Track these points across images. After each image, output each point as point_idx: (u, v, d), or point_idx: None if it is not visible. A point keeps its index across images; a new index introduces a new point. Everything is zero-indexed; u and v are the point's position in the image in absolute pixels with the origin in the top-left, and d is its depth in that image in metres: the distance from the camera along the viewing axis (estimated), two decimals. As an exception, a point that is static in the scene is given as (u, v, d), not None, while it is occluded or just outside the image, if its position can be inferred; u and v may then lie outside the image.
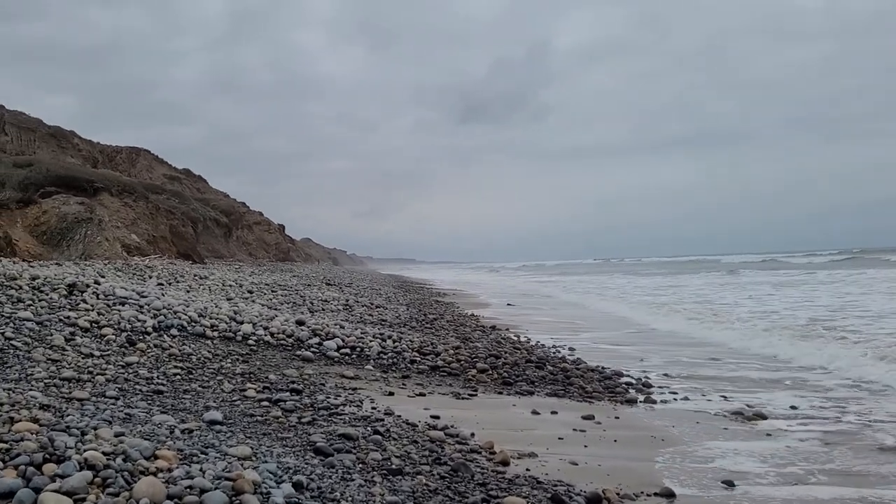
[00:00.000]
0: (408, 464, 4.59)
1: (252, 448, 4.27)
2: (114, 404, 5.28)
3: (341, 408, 6.27)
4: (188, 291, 13.88)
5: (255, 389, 6.63)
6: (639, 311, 18.96)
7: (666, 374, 9.28)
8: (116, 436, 3.69)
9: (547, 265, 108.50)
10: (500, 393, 7.84)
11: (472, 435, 5.64)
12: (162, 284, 14.30)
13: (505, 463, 4.87)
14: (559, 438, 5.71)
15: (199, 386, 6.58)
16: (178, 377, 6.78)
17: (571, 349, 11.49)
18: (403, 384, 7.84)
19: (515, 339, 12.72)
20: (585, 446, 5.51)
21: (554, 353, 11.01)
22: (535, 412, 6.81)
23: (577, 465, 4.99)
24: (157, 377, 6.64)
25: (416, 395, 7.34)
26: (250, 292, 15.26)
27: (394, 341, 9.89)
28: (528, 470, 4.77)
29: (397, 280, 43.81)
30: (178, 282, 15.12)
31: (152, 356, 7.44)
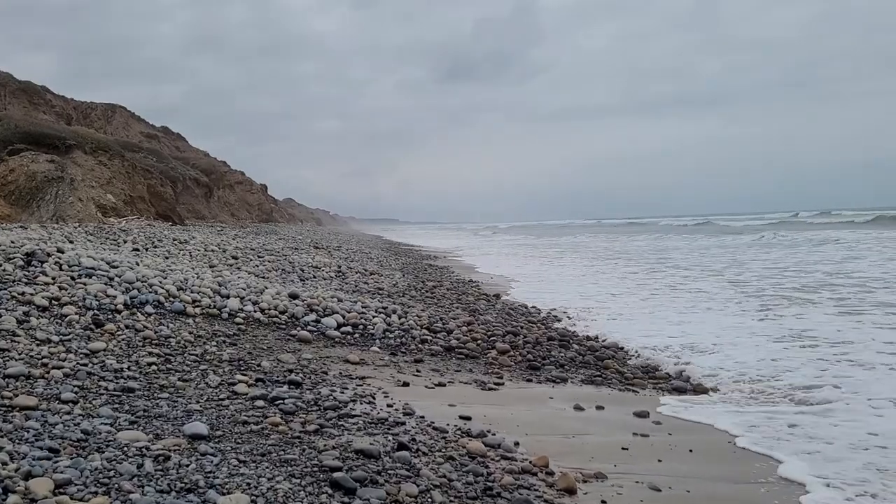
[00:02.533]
0: (452, 499, 3.53)
1: (250, 487, 3.19)
2: (69, 413, 4.17)
3: (351, 406, 5.21)
4: (167, 258, 12.66)
5: (246, 383, 5.53)
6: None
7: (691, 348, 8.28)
8: (57, 489, 2.58)
9: (500, 226, 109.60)
10: (530, 380, 6.80)
11: (517, 444, 4.59)
12: (138, 250, 13.07)
13: (571, 491, 3.83)
14: (623, 448, 4.67)
15: (180, 379, 5.46)
16: (154, 367, 5.66)
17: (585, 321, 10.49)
18: (417, 371, 6.78)
19: (525, 308, 11.69)
20: (659, 461, 4.47)
21: (572, 328, 9.98)
22: (578, 407, 5.77)
23: (660, 491, 3.96)
24: (128, 368, 5.51)
25: (436, 385, 6.29)
26: (235, 258, 14.07)
27: (399, 317, 8.81)
28: (604, 503, 3.73)
29: (385, 243, 42.61)
30: (155, 247, 13.88)
31: (123, 340, 6.30)
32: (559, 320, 10.48)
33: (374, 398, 5.57)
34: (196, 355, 6.24)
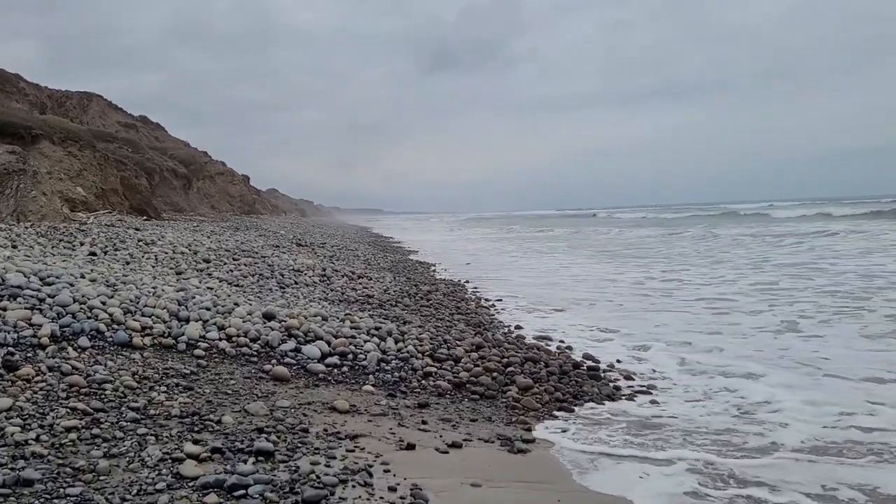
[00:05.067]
0: None
1: None
2: None
3: (340, 492, 3.79)
4: (127, 263, 11.13)
5: (197, 457, 4.08)
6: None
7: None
8: None
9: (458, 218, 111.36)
10: (566, 431, 5.38)
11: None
12: (95, 254, 11.52)
13: None
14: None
15: (106, 454, 4.01)
16: (73, 436, 4.19)
17: (606, 333, 9.11)
18: (423, 422, 5.33)
19: (532, 319, 10.35)
20: None
21: (593, 348, 8.61)
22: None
23: None
24: (37, 439, 4.06)
25: (449, 446, 4.85)
26: (206, 261, 12.54)
27: (395, 340, 7.36)
28: None
29: (371, 236, 41.12)
30: (116, 250, 12.32)
31: (40, 391, 4.82)
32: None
33: (370, 474, 4.14)
34: (136, 409, 4.77)
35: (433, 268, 19.43)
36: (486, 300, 12.58)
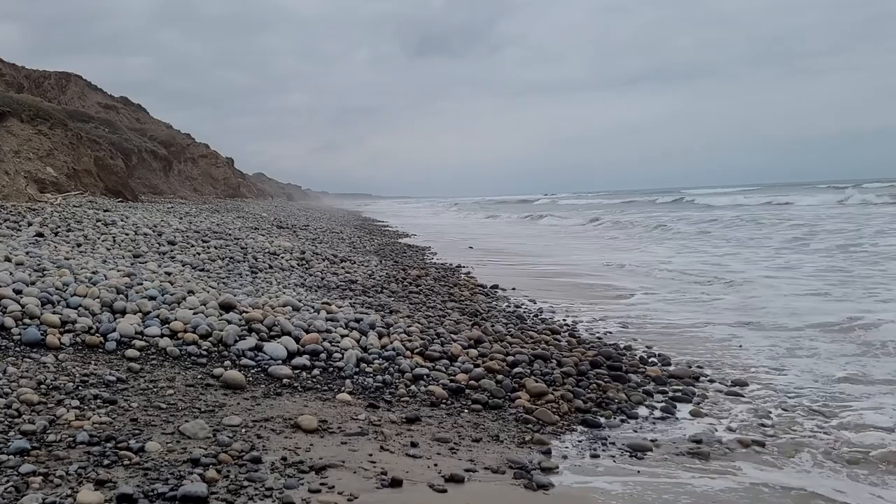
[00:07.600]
0: None
1: None
2: None
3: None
4: (78, 246, 9.86)
5: (93, 511, 2.88)
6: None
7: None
8: None
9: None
10: (596, 455, 4.21)
11: None
12: (42, 235, 10.23)
13: None
14: None
15: (-40, 509, 2.81)
16: (-78, 479, 2.98)
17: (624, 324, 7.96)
18: (413, 443, 4.13)
19: (533, 308, 9.24)
20: None
21: (608, 336, 7.47)
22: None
23: None
24: None
25: (447, 480, 3.66)
26: (171, 244, 11.28)
27: (380, 335, 6.16)
28: None
29: (358, 219, 39.82)
30: (69, 231, 11.04)
31: None
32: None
33: (340, 530, 2.96)
34: (30, 435, 3.56)
35: (425, 251, 18.22)
36: (482, 286, 11.41)
